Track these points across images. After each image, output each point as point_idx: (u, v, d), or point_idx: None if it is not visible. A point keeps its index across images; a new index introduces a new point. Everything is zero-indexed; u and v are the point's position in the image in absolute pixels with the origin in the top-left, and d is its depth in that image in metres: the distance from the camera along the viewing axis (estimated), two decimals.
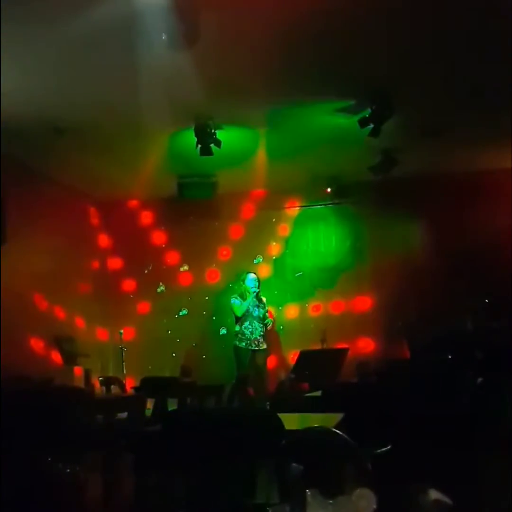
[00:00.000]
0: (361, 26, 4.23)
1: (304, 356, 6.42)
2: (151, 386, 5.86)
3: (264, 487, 2.49)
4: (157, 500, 3.66)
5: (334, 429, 2.09)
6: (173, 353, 8.04)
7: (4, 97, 4.76)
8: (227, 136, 5.94)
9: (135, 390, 6.18)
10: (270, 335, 7.53)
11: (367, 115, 5.46)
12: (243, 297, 7.29)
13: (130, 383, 6.97)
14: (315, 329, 7.70)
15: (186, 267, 8.39)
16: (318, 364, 6.30)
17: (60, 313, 7.13)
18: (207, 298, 8.27)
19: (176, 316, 8.29)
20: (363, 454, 1.94)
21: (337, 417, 3.09)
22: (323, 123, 5.97)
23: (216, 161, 6.23)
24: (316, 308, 8.07)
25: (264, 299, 7.34)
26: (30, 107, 5.20)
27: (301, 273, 8.14)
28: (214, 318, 8.22)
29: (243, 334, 7.19)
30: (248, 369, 7.04)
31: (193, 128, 5.70)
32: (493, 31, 4.24)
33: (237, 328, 7.26)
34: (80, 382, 5.73)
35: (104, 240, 8.47)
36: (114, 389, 6.42)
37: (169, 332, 8.21)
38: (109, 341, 8.09)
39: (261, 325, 7.24)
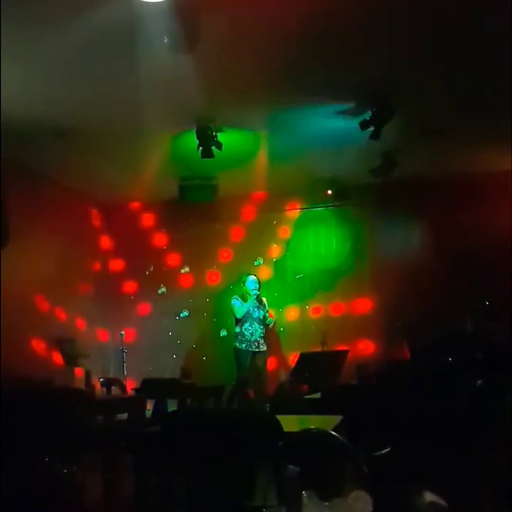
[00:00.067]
0: (361, 27, 4.24)
1: (304, 358, 6.43)
2: (152, 387, 5.88)
3: (261, 489, 2.50)
4: (156, 501, 3.67)
5: (330, 431, 2.11)
6: (173, 355, 8.06)
7: (6, 99, 4.78)
8: (228, 139, 5.95)
9: (135, 391, 6.20)
10: (270, 336, 7.54)
11: (367, 118, 5.47)
12: (243, 298, 7.30)
13: (131, 384, 6.99)
14: (315, 331, 7.71)
15: (187, 269, 8.41)
16: (318, 366, 6.31)
17: (61, 314, 7.15)
18: (207, 300, 8.29)
19: (177, 317, 8.31)
20: (360, 456, 1.95)
21: (337, 419, 3.10)
22: (324, 126, 5.98)
23: (217, 164, 6.24)
24: (317, 310, 8.08)
25: (264, 300, 7.35)
26: (32, 109, 5.21)
27: (301, 275, 8.15)
28: (214, 319, 8.24)
29: (243, 335, 7.20)
30: (248, 371, 7.05)
31: (194, 130, 5.71)
32: (493, 31, 4.25)
33: (237, 329, 7.27)
34: (80, 383, 5.72)
35: (105, 241, 8.49)
36: (115, 390, 6.44)
37: (170, 333, 8.22)
38: (110, 342, 8.11)
39: (262, 327, 7.25)
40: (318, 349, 7.24)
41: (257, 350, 7.19)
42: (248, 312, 7.23)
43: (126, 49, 4.24)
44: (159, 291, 8.41)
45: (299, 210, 8.33)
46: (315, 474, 1.93)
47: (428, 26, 4.27)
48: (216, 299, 8.20)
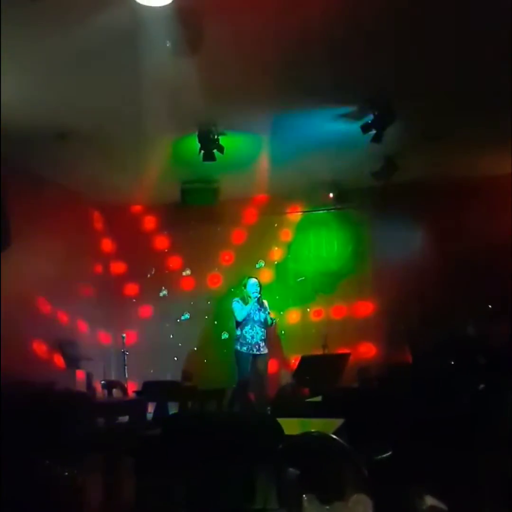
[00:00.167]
0: (363, 31, 4.24)
1: (305, 361, 6.43)
2: (153, 390, 5.89)
3: (262, 492, 2.50)
4: (157, 504, 3.66)
5: (331, 435, 2.11)
6: (174, 357, 8.06)
7: (8, 100, 4.78)
8: (230, 142, 5.97)
9: (136, 394, 6.21)
10: (271, 339, 7.53)
11: (369, 121, 5.49)
12: (244, 301, 7.30)
13: (132, 387, 7.00)
14: (317, 334, 7.70)
15: (188, 272, 8.41)
16: (319, 369, 6.30)
17: (62, 316, 7.16)
18: (209, 302, 8.29)
19: (178, 320, 8.31)
20: (360, 459, 1.95)
21: (338, 422, 3.10)
22: (325, 129, 5.98)
23: (219, 167, 6.26)
24: (318, 313, 8.08)
25: (265, 302, 7.34)
26: (34, 112, 5.22)
27: (303, 278, 8.15)
28: (216, 322, 8.23)
29: (244, 338, 7.19)
30: (249, 374, 7.04)
31: (196, 134, 5.73)
32: (493, 35, 4.26)
33: (238, 332, 7.26)
34: (82, 386, 5.74)
35: (107, 244, 8.50)
36: (116, 393, 6.44)
37: (171, 336, 8.23)
38: (112, 345, 8.11)
39: (263, 330, 7.24)
40: (319, 352, 7.23)
41: (258, 353, 7.18)
42: (249, 315, 7.22)
43: (128, 52, 4.25)
44: (161, 294, 8.42)
45: (300, 213, 8.33)
46: (315, 477, 1.93)
47: (430, 30, 4.28)
48: (217, 302, 8.21)
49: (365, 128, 5.52)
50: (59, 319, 7.08)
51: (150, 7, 3.67)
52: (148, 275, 8.46)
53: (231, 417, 3.69)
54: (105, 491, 4.06)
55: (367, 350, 7.75)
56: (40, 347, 6.61)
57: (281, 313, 8.01)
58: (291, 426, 2.76)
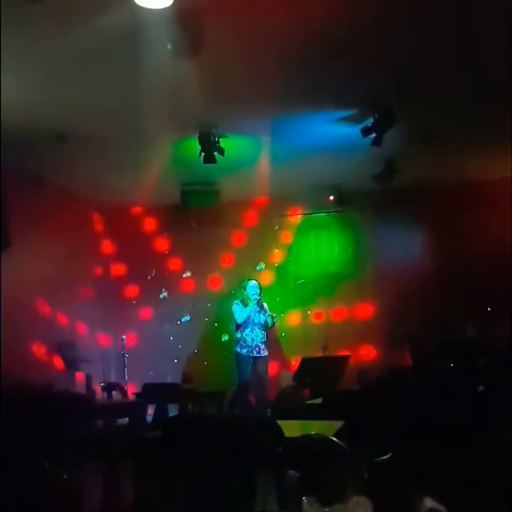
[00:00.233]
0: (363, 35, 4.26)
1: (306, 363, 6.43)
2: (153, 392, 5.89)
3: (262, 494, 2.50)
4: (157, 506, 3.66)
5: (331, 437, 2.10)
6: (175, 359, 8.05)
7: (7, 102, 4.79)
8: (231, 144, 5.97)
9: (136, 396, 6.21)
10: (271, 342, 7.53)
11: (369, 124, 5.50)
12: (244, 303, 7.29)
13: (132, 389, 6.99)
14: (317, 336, 7.71)
15: (188, 274, 8.42)
16: (319, 372, 6.30)
17: (62, 318, 7.16)
18: (209, 304, 8.29)
19: (178, 322, 8.31)
20: (360, 461, 1.95)
21: (338, 424, 3.09)
22: (326, 132, 5.99)
23: (219, 169, 6.26)
24: (318, 315, 8.08)
25: (265, 305, 7.33)
26: (34, 112, 5.23)
27: (303, 280, 8.15)
28: (216, 324, 8.23)
29: (244, 341, 7.18)
30: (249, 376, 7.03)
31: (196, 136, 5.73)
32: (493, 36, 4.26)
33: (238, 335, 7.25)
34: (81, 388, 5.73)
35: (107, 246, 8.50)
36: (116, 395, 6.44)
37: (171, 338, 8.22)
38: (111, 346, 8.10)
39: (263, 332, 7.23)
40: (320, 354, 7.24)
41: (258, 355, 7.17)
42: (249, 317, 7.21)
43: (128, 54, 4.26)
44: (161, 296, 8.42)
45: (301, 216, 8.34)
46: (315, 480, 1.93)
47: (430, 34, 4.29)
48: (217, 304, 8.20)
49: (365, 131, 5.53)
50: (58, 320, 7.08)
51: (151, 9, 3.68)
52: (148, 277, 8.46)
53: (231, 419, 3.69)
54: (105, 493, 4.05)
55: (367, 353, 7.75)
56: (39, 349, 6.61)
57: (282, 315, 8.00)
58: (291, 428, 2.76)
